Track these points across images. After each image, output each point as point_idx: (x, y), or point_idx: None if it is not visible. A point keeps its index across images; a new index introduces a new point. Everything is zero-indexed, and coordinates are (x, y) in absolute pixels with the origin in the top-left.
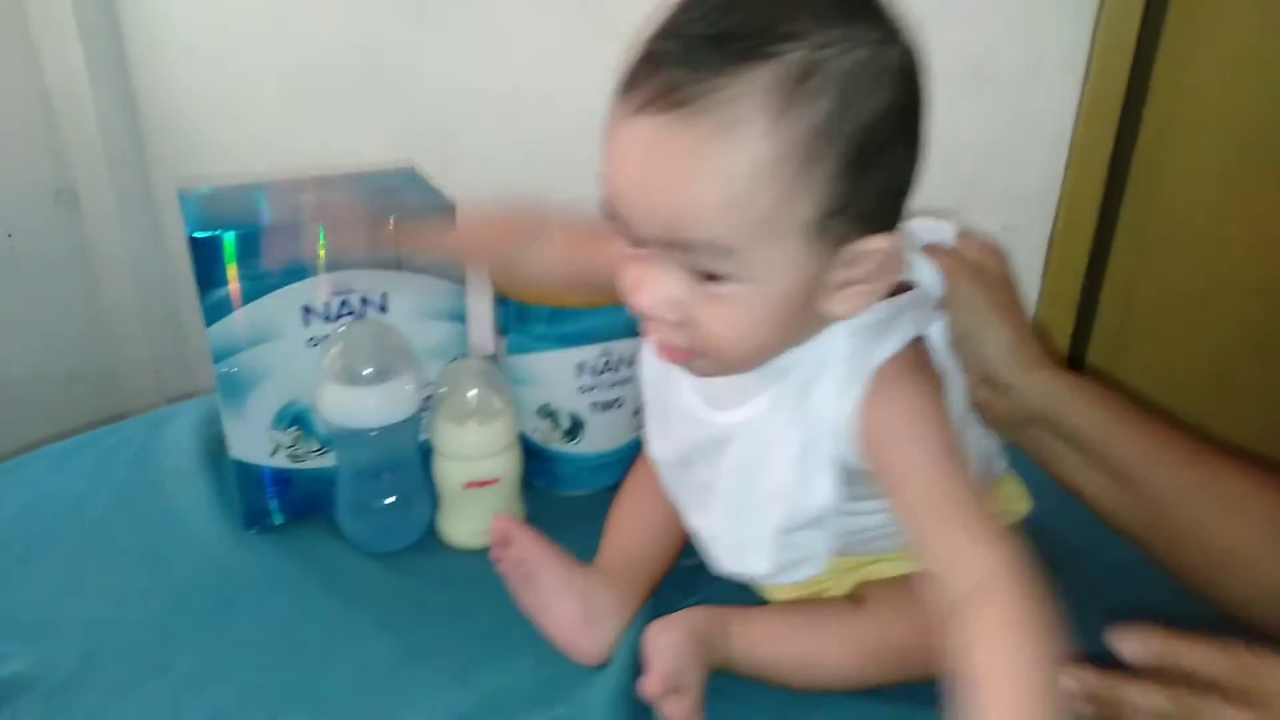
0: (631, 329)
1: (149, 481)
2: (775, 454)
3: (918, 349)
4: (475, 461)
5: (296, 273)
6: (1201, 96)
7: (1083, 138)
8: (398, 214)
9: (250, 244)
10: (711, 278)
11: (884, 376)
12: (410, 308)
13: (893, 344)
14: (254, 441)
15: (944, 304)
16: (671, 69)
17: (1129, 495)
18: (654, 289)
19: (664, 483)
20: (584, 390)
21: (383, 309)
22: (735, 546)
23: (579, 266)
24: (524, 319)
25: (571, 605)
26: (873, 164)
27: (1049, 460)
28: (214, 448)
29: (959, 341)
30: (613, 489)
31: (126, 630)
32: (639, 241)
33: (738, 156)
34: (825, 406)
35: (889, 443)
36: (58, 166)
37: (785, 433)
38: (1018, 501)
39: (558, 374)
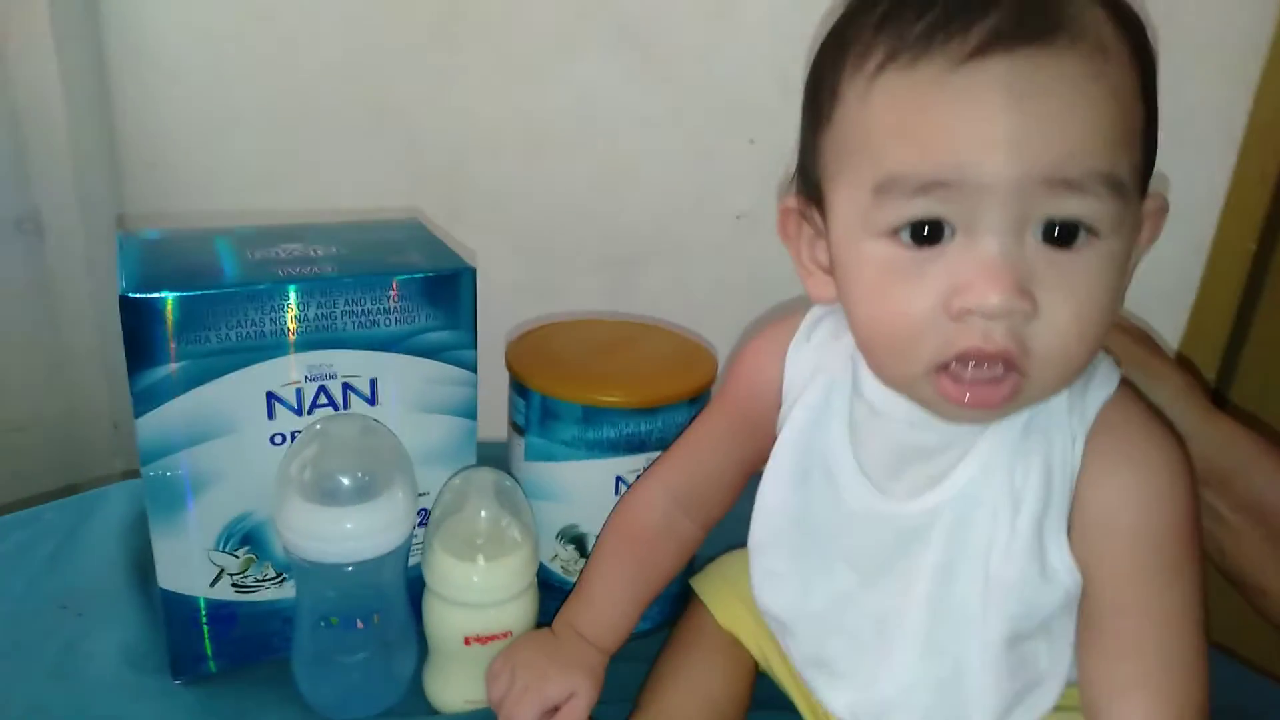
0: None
1: (58, 600)
2: (1001, 528)
3: (1137, 394)
4: (481, 610)
5: (261, 349)
6: None
7: (1229, 215)
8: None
9: (199, 310)
10: (1064, 242)
11: (1111, 423)
12: (408, 398)
13: (1105, 383)
14: (189, 567)
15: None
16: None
17: None
18: (1005, 268)
19: (793, 650)
20: None
21: (371, 399)
22: (940, 695)
23: (726, 467)
24: (550, 418)
25: None
26: (1156, 116)
27: (1223, 540)
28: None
29: None
30: (649, 635)
31: None
32: (970, 219)
33: (1121, 78)
34: (1056, 450)
35: (1108, 530)
36: (22, 192)
37: (1009, 496)
38: None
39: (590, 489)
